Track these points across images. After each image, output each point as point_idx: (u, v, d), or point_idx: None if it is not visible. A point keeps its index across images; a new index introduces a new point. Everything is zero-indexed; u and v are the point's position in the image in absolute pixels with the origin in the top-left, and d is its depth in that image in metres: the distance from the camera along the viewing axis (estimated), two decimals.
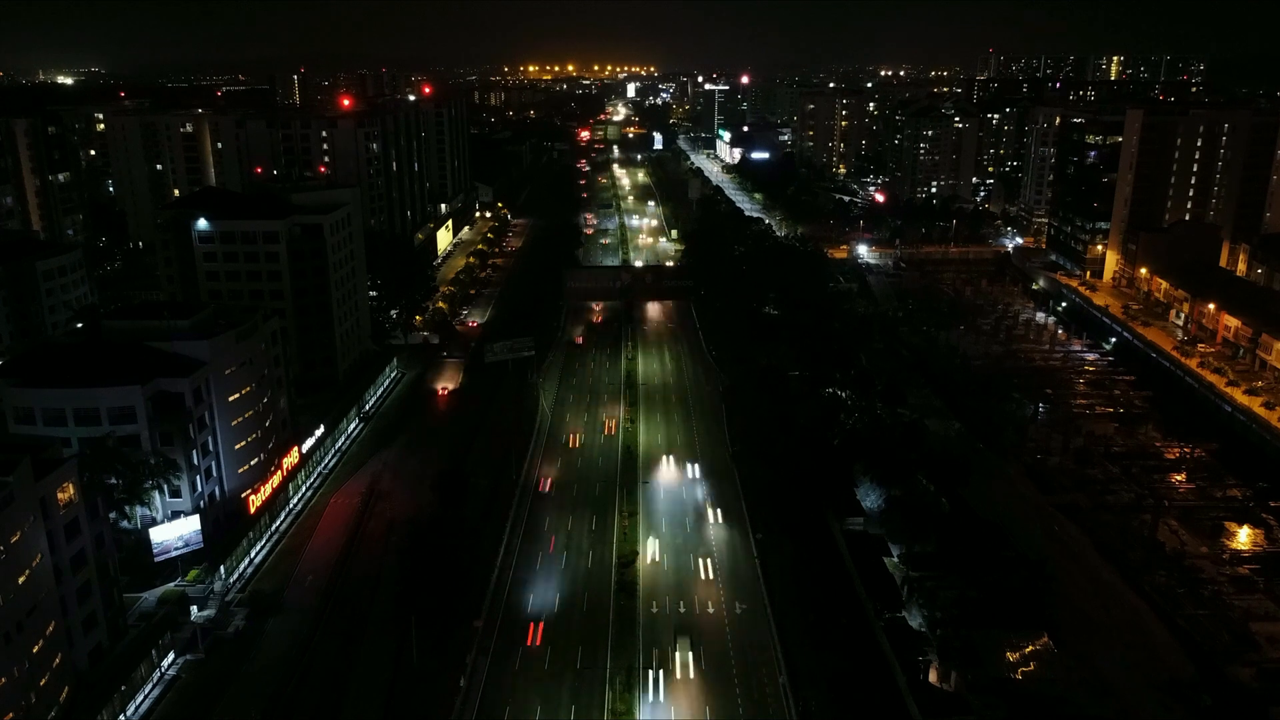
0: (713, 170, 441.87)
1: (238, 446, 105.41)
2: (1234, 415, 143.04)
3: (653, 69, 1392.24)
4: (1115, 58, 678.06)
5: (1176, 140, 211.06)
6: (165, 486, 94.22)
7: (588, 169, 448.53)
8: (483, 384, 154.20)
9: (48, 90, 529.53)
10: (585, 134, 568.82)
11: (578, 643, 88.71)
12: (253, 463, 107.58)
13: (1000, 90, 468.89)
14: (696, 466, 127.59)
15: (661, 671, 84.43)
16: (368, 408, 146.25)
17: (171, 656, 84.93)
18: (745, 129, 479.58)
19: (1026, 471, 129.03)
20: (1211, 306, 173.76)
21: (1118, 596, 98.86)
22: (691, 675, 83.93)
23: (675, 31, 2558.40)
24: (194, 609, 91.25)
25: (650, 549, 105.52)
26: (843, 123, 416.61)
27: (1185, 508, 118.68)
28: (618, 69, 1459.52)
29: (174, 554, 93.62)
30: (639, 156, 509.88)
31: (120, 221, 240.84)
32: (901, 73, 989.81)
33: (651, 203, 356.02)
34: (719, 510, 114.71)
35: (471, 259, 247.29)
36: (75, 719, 73.06)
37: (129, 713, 78.33)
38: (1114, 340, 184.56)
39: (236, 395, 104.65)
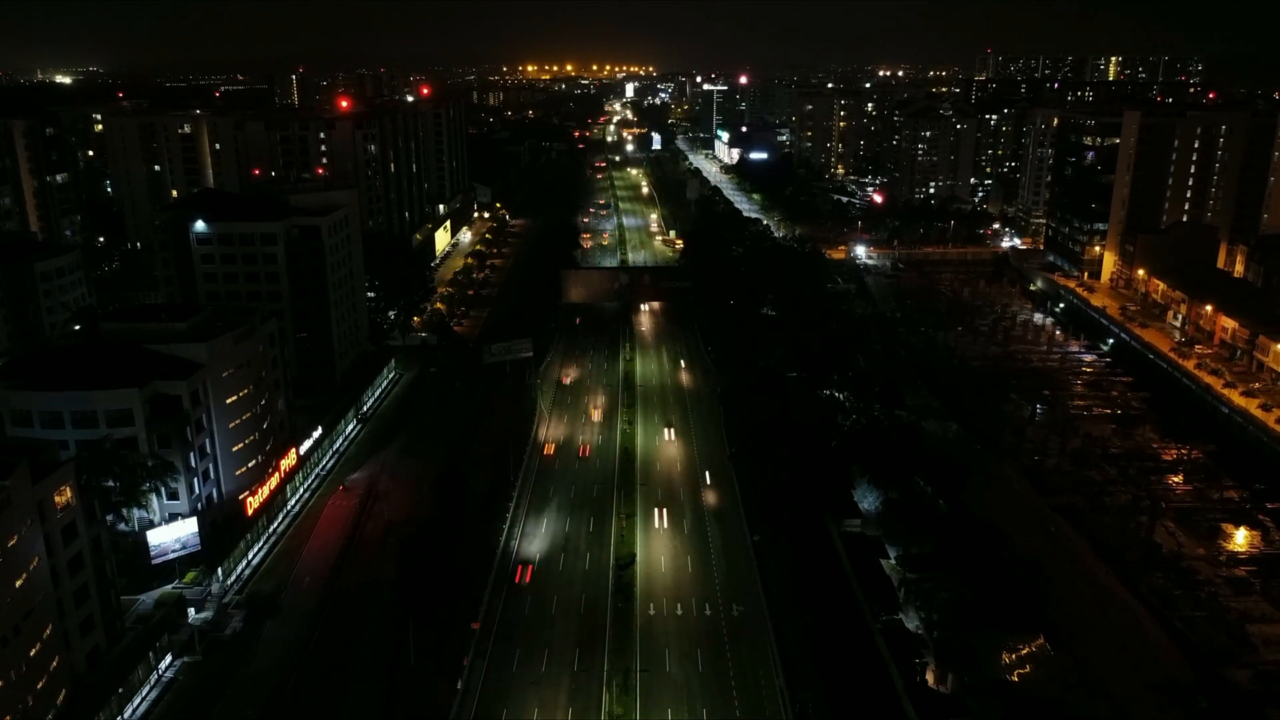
0: (711, 170, 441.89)
1: (235, 449, 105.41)
2: (1231, 417, 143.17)
3: (651, 69, 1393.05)
4: (1113, 58, 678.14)
5: (1174, 142, 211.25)
6: (163, 489, 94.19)
7: (586, 169, 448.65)
8: (481, 385, 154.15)
9: (46, 90, 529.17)
10: (584, 134, 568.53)
11: (575, 645, 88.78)
12: (250, 465, 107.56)
13: (998, 91, 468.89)
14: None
15: None
16: (365, 409, 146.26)
17: (169, 659, 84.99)
18: (744, 129, 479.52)
19: (1024, 472, 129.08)
20: (1209, 308, 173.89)
21: (1115, 598, 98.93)
22: None
23: (674, 31, 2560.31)
24: (191, 611, 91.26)
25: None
26: (841, 123, 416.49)
27: (1182, 509, 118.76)
28: (616, 69, 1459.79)
29: (171, 556, 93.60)
30: (637, 156, 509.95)
31: (118, 222, 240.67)
32: (900, 73, 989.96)
33: (650, 203, 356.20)
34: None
35: (469, 259, 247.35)
36: None
37: (126, 715, 78.38)
38: (1111, 341, 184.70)
39: (234, 397, 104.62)
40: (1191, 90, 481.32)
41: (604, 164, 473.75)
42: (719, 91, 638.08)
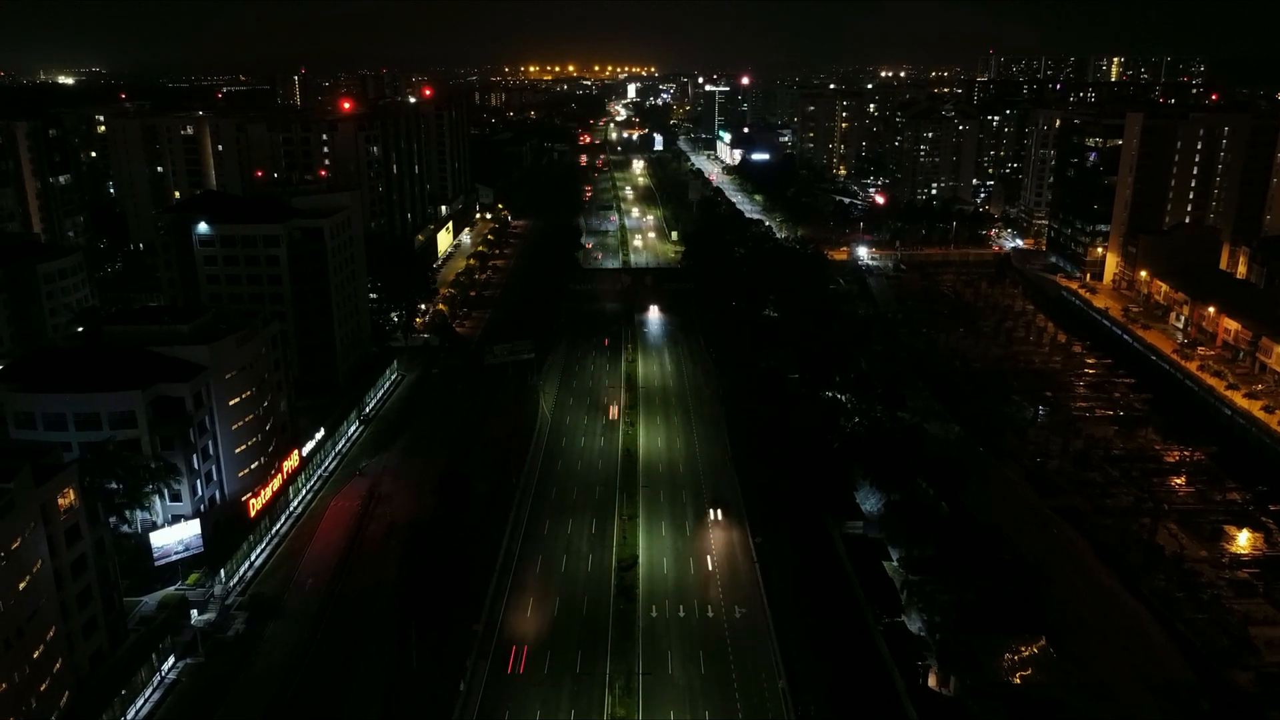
0: (713, 171, 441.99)
1: (238, 450, 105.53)
2: (1233, 418, 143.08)
3: (653, 69, 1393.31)
4: (1116, 59, 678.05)
5: (1176, 143, 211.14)
6: (165, 491, 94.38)
7: (589, 170, 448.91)
8: (483, 387, 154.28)
9: (48, 91, 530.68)
10: (585, 135, 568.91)
11: (577, 647, 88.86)
12: (253, 466, 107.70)
13: (1000, 91, 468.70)
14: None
15: None
16: (368, 410, 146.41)
17: (172, 660, 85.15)
18: (745, 130, 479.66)
19: (1026, 474, 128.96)
20: (1211, 309, 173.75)
21: (1116, 600, 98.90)
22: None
23: (675, 32, 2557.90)
24: (194, 613, 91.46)
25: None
26: (843, 124, 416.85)
27: (1184, 511, 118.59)
28: (618, 69, 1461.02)
29: (174, 558, 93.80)
30: (639, 157, 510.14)
31: (121, 223, 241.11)
32: (902, 74, 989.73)
33: (651, 204, 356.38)
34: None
35: (471, 261, 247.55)
36: None
37: (129, 716, 78.55)
38: (1114, 343, 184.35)
39: (237, 399, 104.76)
40: (1194, 92, 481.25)
41: (606, 165, 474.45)
42: (721, 92, 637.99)
